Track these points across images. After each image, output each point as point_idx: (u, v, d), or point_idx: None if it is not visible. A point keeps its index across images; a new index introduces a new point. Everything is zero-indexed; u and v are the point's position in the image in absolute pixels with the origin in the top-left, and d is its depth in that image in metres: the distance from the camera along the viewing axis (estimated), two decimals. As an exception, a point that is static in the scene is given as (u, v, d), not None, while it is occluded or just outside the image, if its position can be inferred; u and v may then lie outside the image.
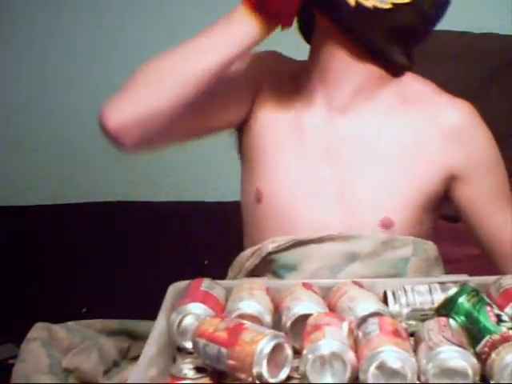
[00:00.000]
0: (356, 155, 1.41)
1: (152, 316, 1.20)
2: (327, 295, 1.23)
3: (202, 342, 1.08)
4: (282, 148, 1.44)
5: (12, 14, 2.72)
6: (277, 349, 1.04)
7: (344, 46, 1.39)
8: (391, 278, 1.34)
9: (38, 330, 1.11)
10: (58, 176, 2.80)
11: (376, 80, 1.42)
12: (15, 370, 1.05)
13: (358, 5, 1.34)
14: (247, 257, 1.43)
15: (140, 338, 1.35)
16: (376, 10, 1.34)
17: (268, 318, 1.16)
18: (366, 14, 1.35)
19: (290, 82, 1.47)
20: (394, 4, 1.35)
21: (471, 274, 1.30)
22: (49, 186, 2.79)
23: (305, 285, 1.24)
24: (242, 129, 1.49)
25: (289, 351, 1.05)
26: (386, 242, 1.38)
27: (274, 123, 1.45)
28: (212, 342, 1.07)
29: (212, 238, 2.31)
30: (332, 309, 1.20)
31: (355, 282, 1.25)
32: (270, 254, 1.41)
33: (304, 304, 1.17)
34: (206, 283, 1.23)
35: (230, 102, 1.45)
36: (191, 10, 2.70)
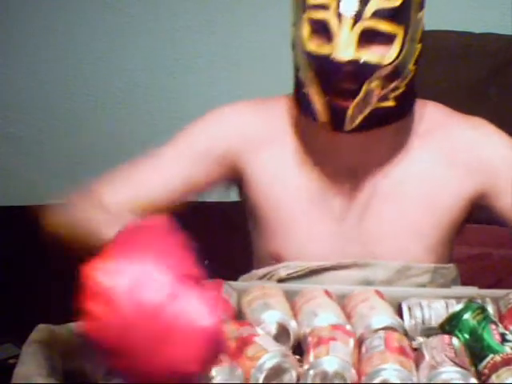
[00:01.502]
0: (380, 208, 1.39)
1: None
2: (342, 302, 1.25)
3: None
4: (302, 208, 1.41)
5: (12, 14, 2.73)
6: (279, 367, 1.05)
7: None
8: (409, 288, 1.34)
9: (40, 332, 1.10)
10: (59, 176, 2.82)
11: (397, 135, 1.41)
12: (16, 373, 1.03)
13: None
14: (258, 277, 1.41)
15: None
16: None
17: (294, 324, 1.17)
18: None
19: (286, 138, 1.43)
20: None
21: (470, 273, 1.30)
22: (49, 186, 2.82)
23: (327, 293, 1.25)
24: (240, 184, 1.47)
25: (291, 370, 1.05)
26: (402, 270, 1.38)
27: (287, 184, 1.42)
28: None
29: (212, 237, 2.32)
30: (349, 312, 1.21)
31: (377, 292, 1.25)
32: (281, 279, 1.39)
33: (325, 315, 1.19)
34: (225, 289, 1.24)
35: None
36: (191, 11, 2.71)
